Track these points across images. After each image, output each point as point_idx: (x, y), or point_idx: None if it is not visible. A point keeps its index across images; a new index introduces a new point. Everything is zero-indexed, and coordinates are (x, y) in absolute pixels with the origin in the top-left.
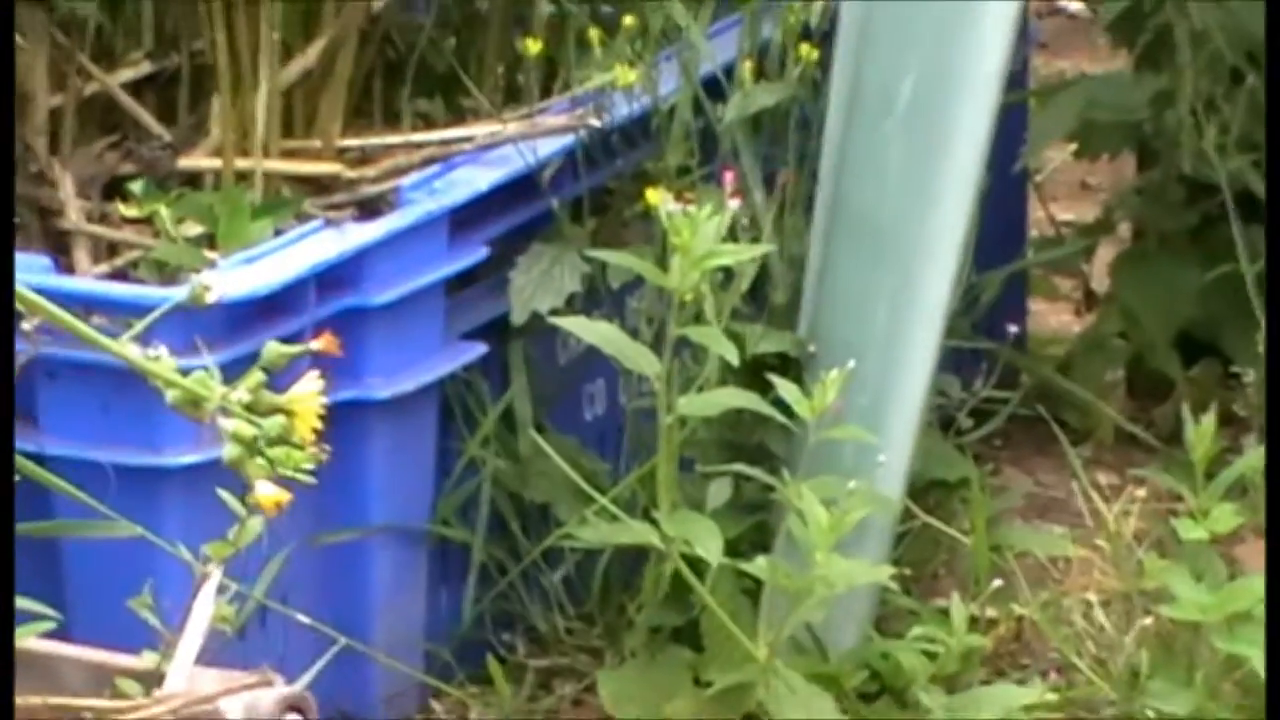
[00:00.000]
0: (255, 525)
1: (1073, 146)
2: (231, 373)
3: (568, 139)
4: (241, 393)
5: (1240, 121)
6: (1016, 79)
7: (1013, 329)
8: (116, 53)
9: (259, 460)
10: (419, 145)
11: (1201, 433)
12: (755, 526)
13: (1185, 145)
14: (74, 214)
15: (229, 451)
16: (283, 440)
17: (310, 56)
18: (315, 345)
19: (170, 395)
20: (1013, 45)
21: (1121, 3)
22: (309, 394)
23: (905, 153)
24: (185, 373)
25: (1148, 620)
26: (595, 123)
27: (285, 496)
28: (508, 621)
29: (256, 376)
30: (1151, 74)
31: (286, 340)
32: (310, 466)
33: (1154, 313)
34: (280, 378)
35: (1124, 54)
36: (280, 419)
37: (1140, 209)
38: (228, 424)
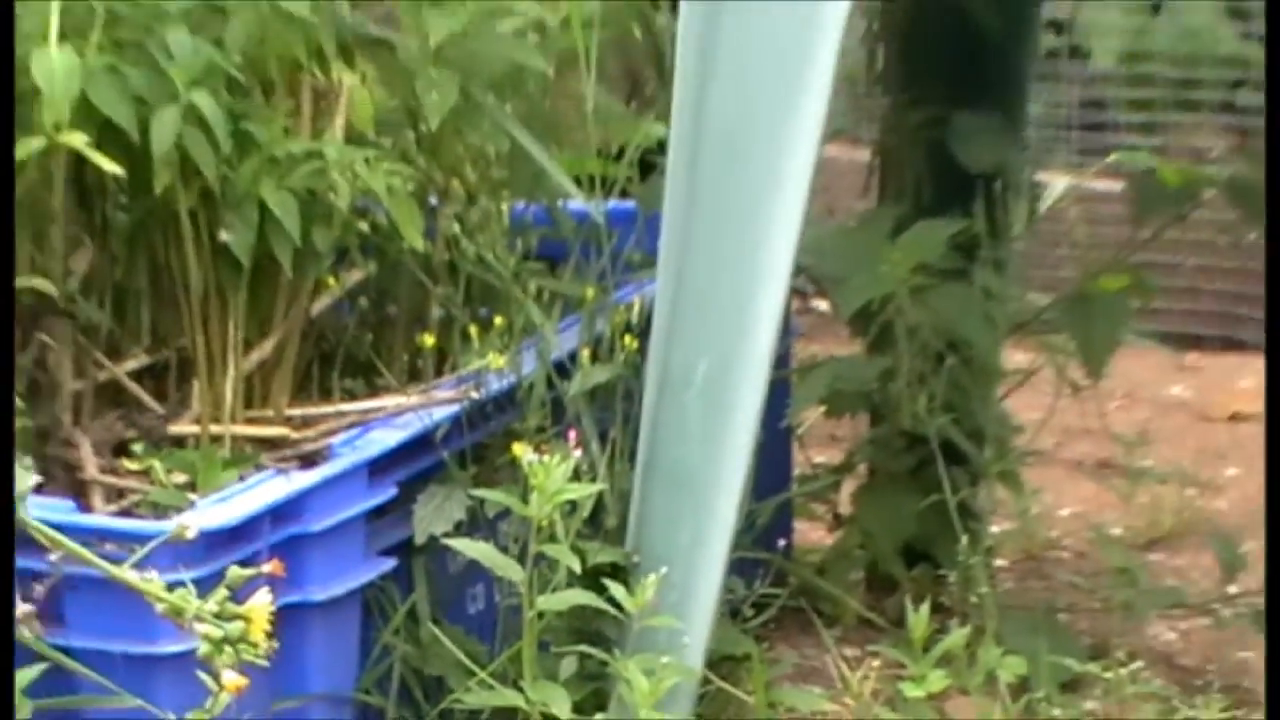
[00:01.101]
0: (225, 698)
1: (824, 409)
2: (208, 584)
3: (455, 407)
4: (211, 605)
5: (942, 391)
6: (782, 360)
7: (782, 542)
8: (122, 349)
9: (224, 655)
10: (345, 413)
11: (919, 619)
12: (595, 692)
13: (904, 409)
14: (91, 468)
15: (202, 649)
16: (241, 640)
17: (265, 349)
18: (266, 569)
19: (159, 607)
20: (779, 336)
21: (856, 304)
22: (261, 605)
23: (701, 416)
24: (172, 587)
25: None
26: (475, 395)
27: (244, 682)
28: None
29: (222, 593)
30: (880, 356)
31: (248, 559)
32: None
33: (884, 531)
34: (244, 587)
35: (860, 341)
36: (240, 624)
37: (873, 454)
38: (201, 628)
